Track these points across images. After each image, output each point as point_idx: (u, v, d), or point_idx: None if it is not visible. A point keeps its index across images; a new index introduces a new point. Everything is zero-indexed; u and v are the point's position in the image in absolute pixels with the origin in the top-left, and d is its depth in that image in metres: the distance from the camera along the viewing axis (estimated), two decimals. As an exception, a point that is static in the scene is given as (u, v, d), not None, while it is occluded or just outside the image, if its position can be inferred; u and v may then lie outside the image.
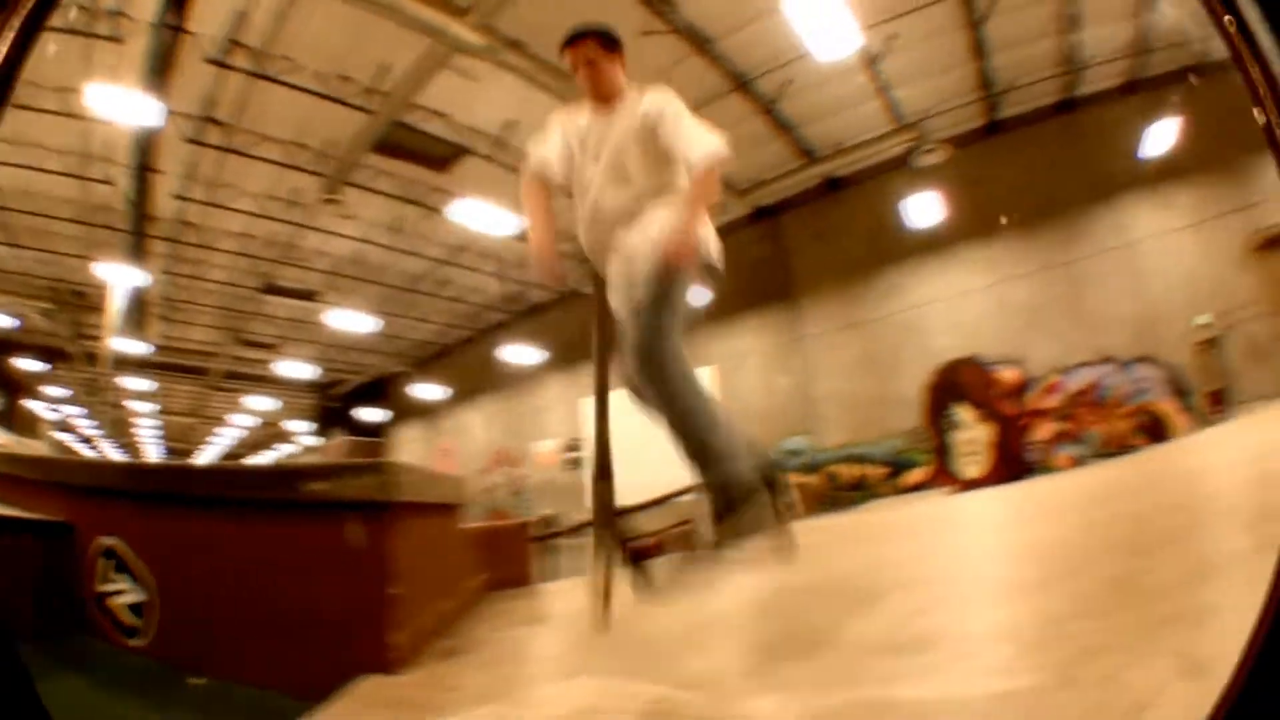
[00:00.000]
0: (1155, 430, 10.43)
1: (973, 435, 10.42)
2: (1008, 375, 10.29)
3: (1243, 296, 11.40)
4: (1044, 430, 10.19)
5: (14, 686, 0.78)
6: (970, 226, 10.67)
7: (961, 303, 10.66)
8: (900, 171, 10.59)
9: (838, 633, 2.21)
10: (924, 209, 10.63)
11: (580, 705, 2.05)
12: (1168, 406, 10.49)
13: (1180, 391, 10.60)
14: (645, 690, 2.08)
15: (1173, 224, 11.38)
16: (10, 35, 0.80)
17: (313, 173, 10.60)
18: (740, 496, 1.90)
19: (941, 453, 10.49)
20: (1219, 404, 10.88)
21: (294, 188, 10.90)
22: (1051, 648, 1.85)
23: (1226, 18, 0.69)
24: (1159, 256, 11.29)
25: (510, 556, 5.73)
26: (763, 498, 1.93)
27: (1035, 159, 10.89)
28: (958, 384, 10.37)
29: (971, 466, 10.37)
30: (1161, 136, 11.23)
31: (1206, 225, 11.45)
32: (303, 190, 10.90)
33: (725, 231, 10.82)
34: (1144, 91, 12.06)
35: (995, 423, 10.28)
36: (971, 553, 4.18)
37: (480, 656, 2.91)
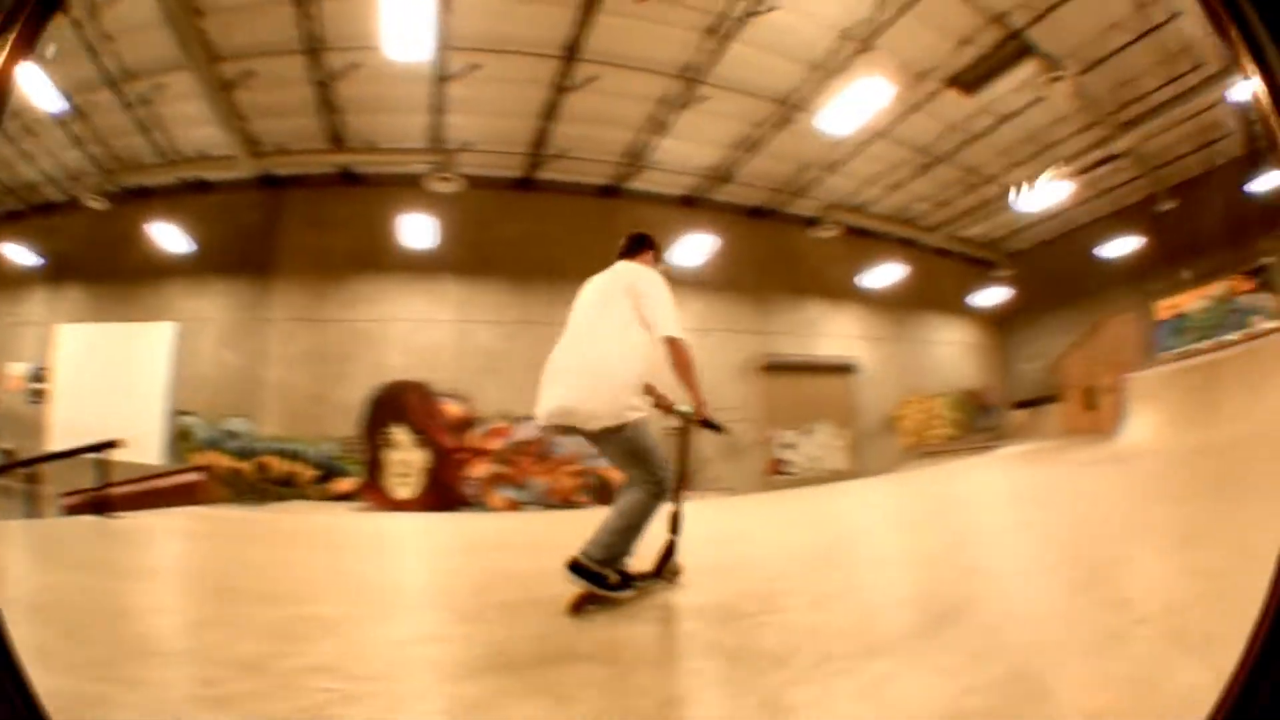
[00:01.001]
0: (602, 494, 13.74)
1: (407, 458, 13.09)
2: (453, 409, 13.29)
3: (729, 402, 15.99)
4: (482, 469, 13.29)
5: (10, 685, 0.91)
6: (458, 262, 13.93)
7: (424, 329, 13.67)
8: (414, 189, 13.41)
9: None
10: (420, 232, 13.70)
11: None
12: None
13: None
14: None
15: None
16: (9, 38, 0.93)
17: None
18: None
19: (374, 467, 12.95)
20: (680, 486, 15.05)
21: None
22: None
23: (1226, 17, 0.78)
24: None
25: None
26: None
27: (550, 224, 14.73)
28: (401, 404, 13.10)
29: (403, 488, 13.05)
30: (697, 251, 16.16)
31: (713, 333, 16.27)
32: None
33: (228, 188, 12.75)
34: (699, 209, 17.07)
35: (431, 451, 13.17)
36: (340, 577, 5.39)
37: None
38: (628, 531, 3.67)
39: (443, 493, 13.15)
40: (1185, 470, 7.72)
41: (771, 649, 2.67)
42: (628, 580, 3.69)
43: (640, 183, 16.07)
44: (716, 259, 16.84)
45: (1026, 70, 14.72)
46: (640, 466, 3.81)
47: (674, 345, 3.95)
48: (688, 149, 15.54)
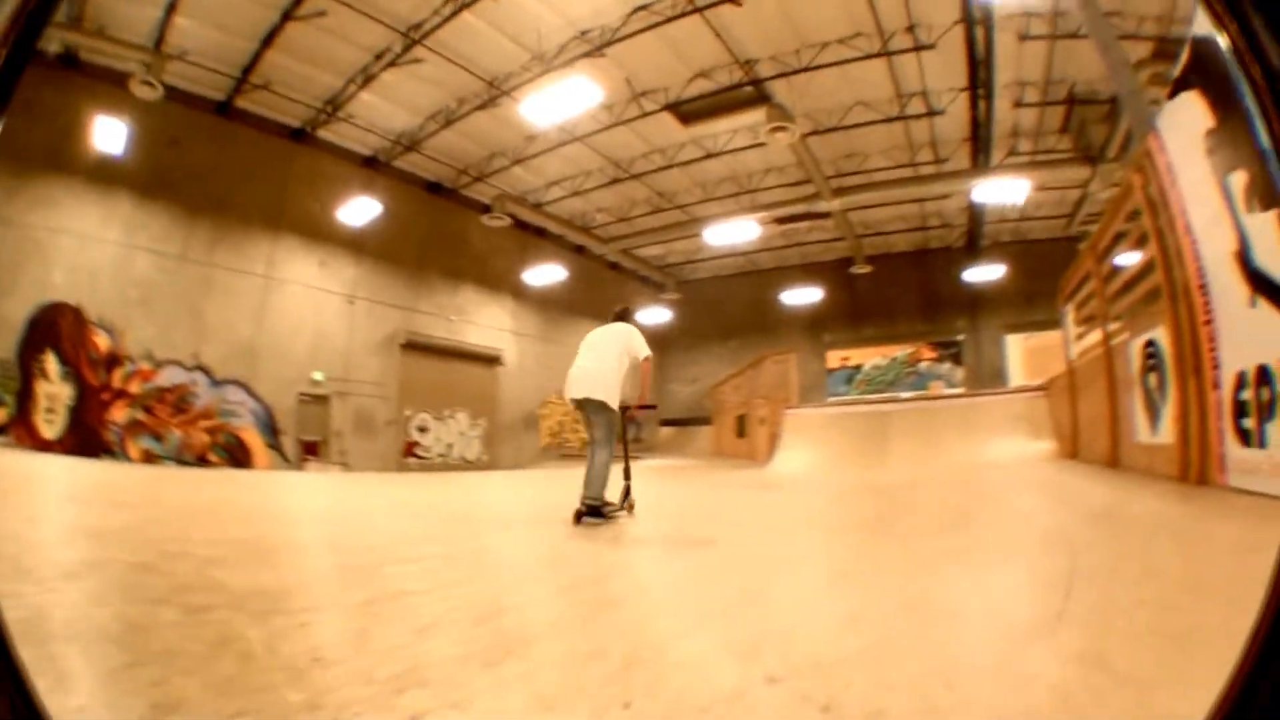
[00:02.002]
0: (237, 454, 17.48)
1: (55, 391, 14.86)
2: (102, 341, 15.70)
3: (367, 375, 20.76)
4: (122, 414, 15.80)
5: (10, 684, 1.09)
6: (138, 179, 16.32)
7: (89, 247, 15.79)
8: (121, 90, 15.51)
9: None
10: (111, 137, 15.75)
11: None
12: (253, 437, 17.88)
13: (271, 428, 18.26)
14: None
15: (327, 285, 19.94)
16: (10, 38, 1.14)
17: None
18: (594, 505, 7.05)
19: (26, 399, 14.65)
20: (312, 453, 19.36)
21: None
22: None
23: (1226, 18, 0.94)
24: (304, 306, 19.38)
25: None
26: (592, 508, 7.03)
27: (233, 158, 18.01)
28: (55, 330, 14.92)
29: (49, 426, 14.77)
30: (361, 212, 20.32)
31: (362, 305, 20.77)
32: None
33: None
34: (379, 173, 21.23)
35: (77, 387, 15.17)
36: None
37: None
38: (603, 476, 7.13)
39: (86, 436, 14.96)
40: (841, 505, 8.83)
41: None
42: (605, 508, 7.13)
43: (330, 133, 19.78)
44: (380, 226, 20.79)
45: (753, 118, 18.82)
46: (608, 429, 7.33)
47: (646, 361, 7.51)
48: (387, 109, 19.22)
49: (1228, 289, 5.38)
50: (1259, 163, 4.60)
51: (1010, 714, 1.96)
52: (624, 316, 8.21)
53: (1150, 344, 7.24)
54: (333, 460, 19.80)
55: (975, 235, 27.74)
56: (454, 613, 3.32)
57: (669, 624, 3.34)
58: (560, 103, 17.19)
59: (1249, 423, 5.08)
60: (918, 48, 17.26)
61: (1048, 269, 25.69)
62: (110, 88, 15.59)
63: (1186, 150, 5.91)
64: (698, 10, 16.08)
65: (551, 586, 4.35)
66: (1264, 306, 4.78)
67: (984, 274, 27.79)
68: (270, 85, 17.78)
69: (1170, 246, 6.54)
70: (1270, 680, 0.89)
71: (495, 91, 18.74)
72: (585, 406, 7.47)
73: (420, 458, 22.18)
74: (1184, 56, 5.78)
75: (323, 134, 19.90)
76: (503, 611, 3.50)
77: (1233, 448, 5.40)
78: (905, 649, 2.56)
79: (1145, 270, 7.47)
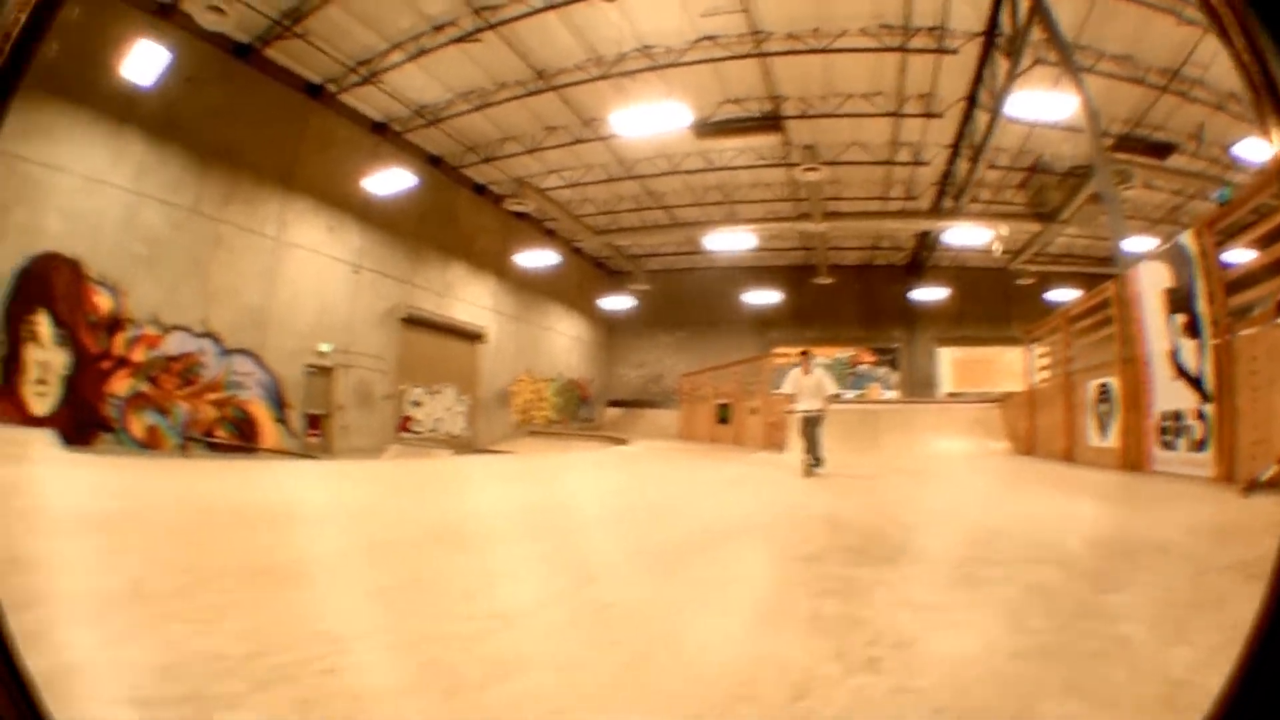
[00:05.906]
0: (245, 429, 13.48)
1: (47, 359, 10.74)
2: (104, 301, 11.43)
3: (370, 348, 16.86)
4: (124, 385, 11.59)
5: (9, 681, 0.94)
6: (154, 114, 12.08)
7: (93, 191, 11.49)
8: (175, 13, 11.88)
9: None
10: (145, 67, 11.48)
11: None
12: (261, 410, 13.80)
13: (279, 401, 14.22)
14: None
15: (334, 252, 15.97)
16: (16, 31, 0.96)
17: None
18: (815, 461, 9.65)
19: (13, 367, 10.52)
20: (317, 429, 15.23)
21: None
22: None
23: (1225, 17, 0.85)
24: (310, 273, 15.46)
25: None
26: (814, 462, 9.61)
27: (251, 107, 14.01)
28: (49, 287, 10.78)
29: (40, 399, 10.67)
30: (386, 181, 16.69)
31: (364, 272, 16.85)
32: None
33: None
34: (388, 140, 17.26)
35: (74, 353, 11.05)
36: None
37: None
38: (818, 446, 9.64)
39: (83, 411, 10.98)
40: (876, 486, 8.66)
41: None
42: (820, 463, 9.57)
43: (349, 95, 15.82)
44: (389, 198, 17.11)
45: (760, 140, 18.17)
46: (821, 425, 9.80)
47: (833, 396, 10.58)
48: (421, 80, 15.73)
49: (1161, 369, 7.92)
50: (1191, 315, 7.28)
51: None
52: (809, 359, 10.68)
53: (1104, 385, 9.58)
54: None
55: (920, 258, 26.97)
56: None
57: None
58: (651, 120, 15.59)
59: (1168, 438, 7.72)
60: (927, 114, 17.52)
61: (979, 293, 25.69)
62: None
63: (1149, 291, 8.24)
64: (761, 55, 15.51)
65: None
66: (1181, 383, 7.44)
67: (923, 292, 27.03)
68: (308, 35, 13.78)
69: (1130, 335, 8.88)
70: (1270, 680, 0.80)
71: (542, 84, 16.20)
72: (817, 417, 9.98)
73: (414, 433, 18.37)
74: (1165, 246, 8.31)
75: (343, 97, 15.87)
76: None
77: (1157, 451, 7.96)
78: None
79: (1107, 339, 9.94)
